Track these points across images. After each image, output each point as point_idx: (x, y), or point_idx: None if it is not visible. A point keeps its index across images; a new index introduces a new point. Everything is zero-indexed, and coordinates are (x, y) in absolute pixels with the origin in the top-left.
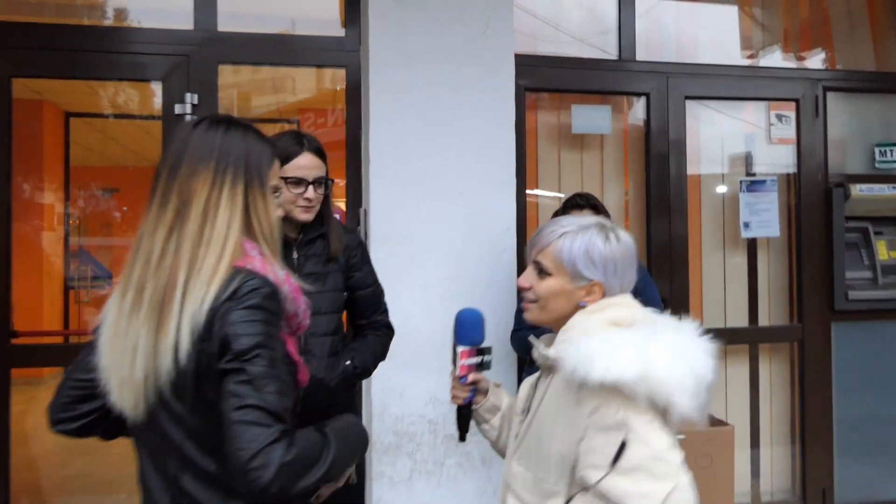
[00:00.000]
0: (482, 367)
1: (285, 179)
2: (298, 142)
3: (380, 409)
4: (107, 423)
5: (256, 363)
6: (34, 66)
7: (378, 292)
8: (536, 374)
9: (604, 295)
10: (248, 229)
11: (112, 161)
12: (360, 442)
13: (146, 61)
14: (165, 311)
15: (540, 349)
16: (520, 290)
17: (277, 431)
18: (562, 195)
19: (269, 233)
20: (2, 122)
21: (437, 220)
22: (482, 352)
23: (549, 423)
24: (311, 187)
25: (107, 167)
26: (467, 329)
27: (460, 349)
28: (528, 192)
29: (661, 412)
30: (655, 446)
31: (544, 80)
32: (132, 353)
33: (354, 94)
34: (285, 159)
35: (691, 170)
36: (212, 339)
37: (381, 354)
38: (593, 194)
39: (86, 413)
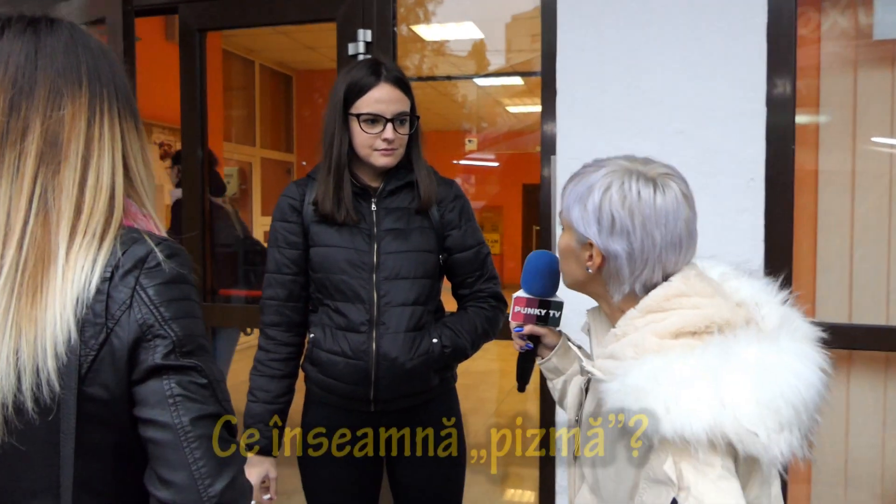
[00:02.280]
0: (546, 320)
1: (358, 117)
2: (374, 71)
3: None
4: None
5: (202, 357)
6: (221, 17)
7: (482, 255)
8: (586, 378)
9: (604, 261)
10: (127, 175)
11: None
12: None
13: None
14: (40, 296)
15: (583, 359)
16: None
17: (242, 454)
18: None
19: (146, 179)
20: (196, 76)
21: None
22: (547, 304)
23: (607, 453)
24: (390, 126)
25: None
26: (530, 275)
27: (516, 294)
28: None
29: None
30: None
31: None
32: None
33: (550, 12)
34: (358, 94)
35: None
36: (112, 324)
37: (486, 331)
38: None
39: None
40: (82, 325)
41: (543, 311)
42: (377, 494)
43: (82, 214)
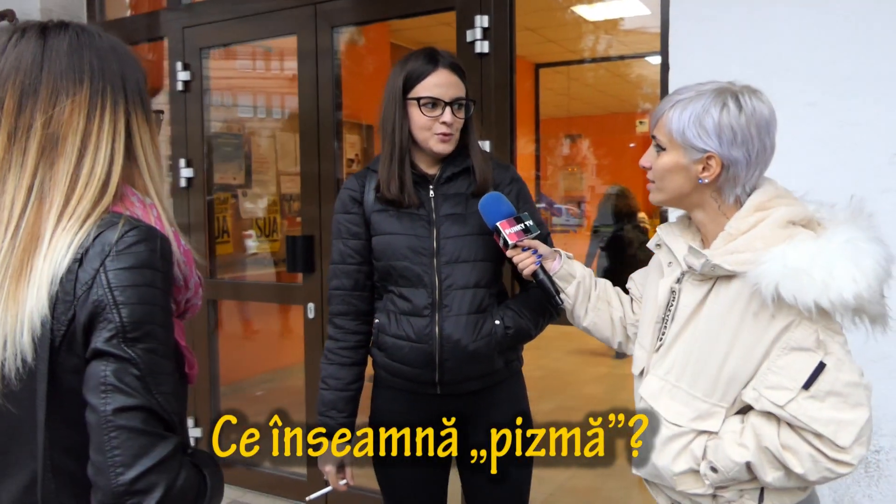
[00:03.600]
0: (528, 231)
1: (418, 101)
2: (431, 59)
3: None
4: None
5: (146, 346)
6: (351, 14)
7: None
8: (673, 277)
9: (723, 168)
10: (134, 164)
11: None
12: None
13: None
14: (25, 275)
15: (697, 258)
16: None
17: (171, 445)
18: None
19: (155, 169)
20: (331, 72)
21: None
22: (519, 219)
23: (716, 338)
24: (448, 109)
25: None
26: (493, 207)
27: (498, 223)
28: None
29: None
30: (854, 372)
31: None
32: None
33: None
34: (416, 79)
35: None
36: (76, 303)
37: (550, 313)
38: None
39: None
40: (55, 301)
41: (523, 225)
42: (444, 492)
43: (71, 202)
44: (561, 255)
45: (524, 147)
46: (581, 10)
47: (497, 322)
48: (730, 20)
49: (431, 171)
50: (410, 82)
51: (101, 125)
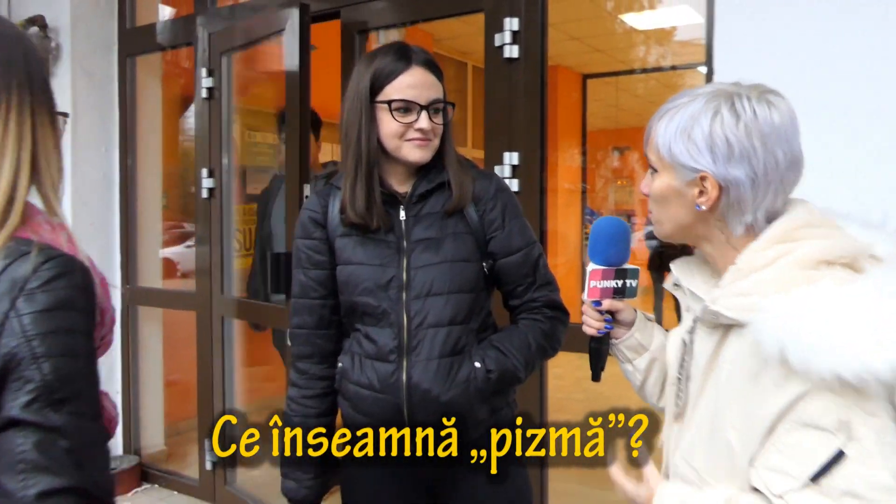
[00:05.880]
0: (622, 293)
1: (389, 104)
2: (403, 55)
3: None
4: None
5: (74, 409)
6: (376, 18)
7: (532, 257)
8: (686, 326)
9: (722, 192)
10: (35, 177)
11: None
12: None
13: None
14: None
15: (696, 302)
16: None
17: None
18: None
19: (57, 182)
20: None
21: (838, 175)
22: (623, 274)
23: (725, 402)
24: (424, 114)
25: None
26: (602, 243)
27: (591, 267)
28: None
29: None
30: (886, 469)
31: None
32: None
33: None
34: (386, 79)
35: None
36: None
37: (543, 347)
38: None
39: None
40: None
41: (620, 283)
42: None
43: None
44: (636, 322)
45: (571, 159)
46: (629, 19)
47: (477, 365)
48: (777, 26)
49: (402, 188)
50: (379, 83)
51: (5, 131)
